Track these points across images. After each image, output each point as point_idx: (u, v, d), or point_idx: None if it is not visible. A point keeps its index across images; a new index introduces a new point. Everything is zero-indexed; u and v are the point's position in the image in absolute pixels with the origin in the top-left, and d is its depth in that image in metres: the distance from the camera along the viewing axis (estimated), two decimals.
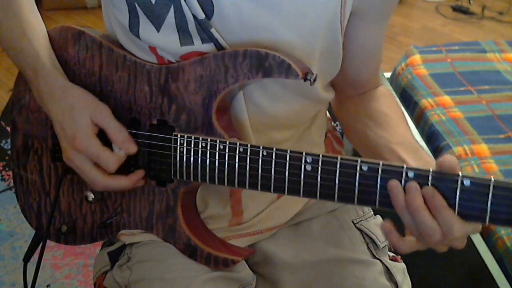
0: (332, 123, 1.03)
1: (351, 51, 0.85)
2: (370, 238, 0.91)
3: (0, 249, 1.82)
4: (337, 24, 0.78)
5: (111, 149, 0.78)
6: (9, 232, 1.88)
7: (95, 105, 0.78)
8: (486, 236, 1.23)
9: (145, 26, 0.76)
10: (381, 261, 0.88)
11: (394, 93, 1.80)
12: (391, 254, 0.94)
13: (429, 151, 1.50)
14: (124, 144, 0.77)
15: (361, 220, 0.94)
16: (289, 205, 0.92)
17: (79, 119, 0.76)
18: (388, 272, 0.87)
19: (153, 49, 0.78)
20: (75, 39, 0.83)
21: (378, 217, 0.97)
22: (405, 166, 0.64)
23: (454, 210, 0.62)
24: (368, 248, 0.90)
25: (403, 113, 0.87)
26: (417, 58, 1.87)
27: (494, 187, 0.60)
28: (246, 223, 0.89)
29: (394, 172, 0.64)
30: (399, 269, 0.89)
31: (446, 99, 1.68)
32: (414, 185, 0.63)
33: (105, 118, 0.77)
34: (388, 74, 1.98)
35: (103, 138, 0.77)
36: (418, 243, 0.66)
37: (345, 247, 0.89)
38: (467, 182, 0.61)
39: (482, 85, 1.72)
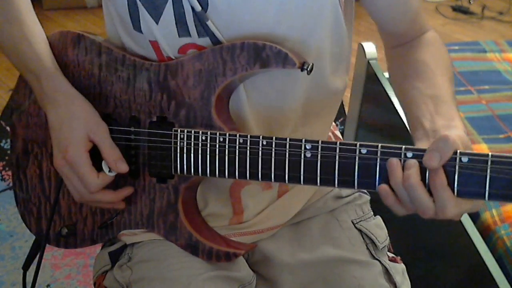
0: (333, 122, 1.03)
1: (376, 12, 0.86)
2: (370, 239, 0.91)
3: (0, 249, 1.82)
4: (336, 1, 0.78)
5: (100, 168, 0.78)
6: (9, 232, 1.88)
7: (95, 121, 0.78)
8: (486, 236, 1.23)
9: (145, 19, 0.77)
10: (380, 261, 0.89)
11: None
12: (391, 255, 0.94)
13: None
14: (117, 162, 0.77)
15: (360, 221, 0.94)
16: (289, 205, 0.92)
17: (76, 130, 0.76)
18: (387, 273, 0.88)
19: (154, 43, 0.79)
20: (74, 42, 0.83)
21: (378, 218, 0.97)
22: (403, 147, 0.64)
23: (453, 188, 0.62)
24: (368, 248, 0.90)
25: (447, 62, 0.84)
26: None
27: (492, 161, 0.60)
28: (246, 222, 0.89)
29: (393, 153, 0.65)
30: (398, 270, 0.89)
31: None
32: (412, 162, 0.63)
33: (102, 136, 0.77)
34: (388, 74, 1.98)
35: (96, 157, 0.78)
36: (413, 212, 0.66)
37: (345, 247, 0.89)
38: (465, 159, 0.61)
39: (482, 85, 1.72)
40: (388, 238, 0.95)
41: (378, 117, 1.71)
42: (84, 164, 0.76)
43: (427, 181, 0.64)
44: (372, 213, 0.97)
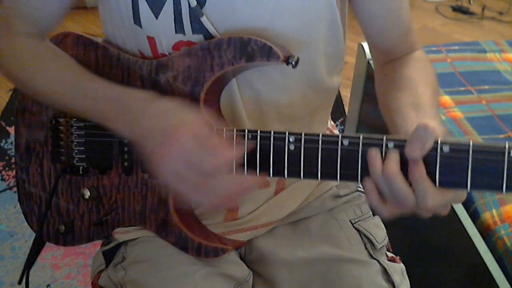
0: (332, 122, 1.03)
1: (367, 22, 0.86)
2: (368, 238, 0.91)
3: (0, 249, 1.82)
4: (332, 1, 0.79)
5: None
6: (9, 232, 1.88)
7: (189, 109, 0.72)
8: (486, 236, 1.22)
9: (145, 13, 0.77)
10: (378, 261, 0.89)
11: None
12: (390, 254, 0.94)
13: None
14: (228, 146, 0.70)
15: (359, 220, 0.94)
16: (286, 202, 0.92)
17: (187, 111, 0.71)
18: (385, 273, 0.88)
19: (151, 39, 0.79)
20: (74, 43, 0.85)
21: (377, 218, 0.97)
22: (385, 137, 0.64)
23: (435, 178, 0.62)
24: (366, 248, 0.90)
25: (432, 76, 0.84)
26: None
27: (473, 151, 0.60)
28: (241, 219, 0.90)
29: (374, 144, 0.64)
30: (397, 269, 0.89)
31: (446, 99, 1.68)
32: (392, 153, 0.63)
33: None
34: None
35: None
36: (396, 208, 0.65)
37: (343, 246, 0.89)
38: (446, 148, 0.61)
39: (482, 85, 1.72)
40: (387, 238, 0.95)
41: (378, 117, 1.71)
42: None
43: (408, 173, 0.63)
44: (370, 212, 0.97)
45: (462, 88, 1.71)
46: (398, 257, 0.95)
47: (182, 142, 0.66)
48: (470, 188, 0.61)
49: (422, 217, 0.65)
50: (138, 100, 0.74)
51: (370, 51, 0.93)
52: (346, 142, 0.66)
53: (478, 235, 1.19)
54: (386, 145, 0.64)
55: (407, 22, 0.88)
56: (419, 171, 0.61)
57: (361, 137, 0.65)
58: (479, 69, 1.80)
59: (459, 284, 1.29)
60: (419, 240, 1.46)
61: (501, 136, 1.52)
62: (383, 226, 0.96)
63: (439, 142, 0.61)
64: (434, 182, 0.62)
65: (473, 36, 3.22)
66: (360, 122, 1.83)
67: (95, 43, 0.84)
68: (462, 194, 0.64)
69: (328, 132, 1.01)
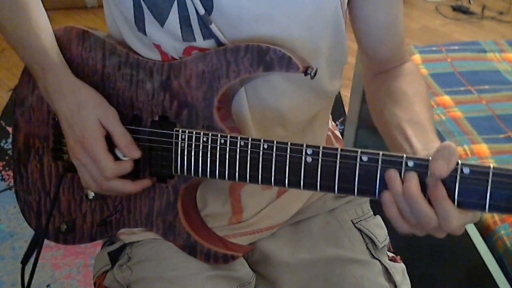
0: (332, 122, 1.03)
1: (364, 30, 0.86)
2: (370, 238, 0.91)
3: (0, 249, 1.82)
4: (338, 9, 0.79)
5: (115, 156, 0.78)
6: (9, 232, 1.88)
7: (103, 107, 0.78)
8: (486, 236, 1.23)
9: (150, 22, 0.77)
10: (380, 261, 0.89)
11: None
12: (391, 254, 0.94)
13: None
14: (128, 148, 0.77)
15: (360, 220, 0.94)
16: (289, 204, 0.92)
17: (88, 118, 0.77)
18: (387, 272, 0.88)
19: (157, 46, 0.79)
20: (79, 38, 0.84)
21: (378, 217, 0.97)
22: (404, 156, 0.63)
23: (454, 199, 0.62)
24: (368, 248, 0.90)
25: (425, 91, 0.85)
26: (417, 58, 1.86)
27: (493, 174, 0.60)
28: (245, 221, 0.90)
29: (394, 162, 0.64)
30: (398, 269, 0.89)
31: (446, 99, 1.68)
32: (412, 174, 0.63)
33: (112, 121, 0.78)
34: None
35: (110, 143, 0.78)
36: (417, 229, 0.65)
37: (345, 246, 0.89)
38: (466, 170, 0.61)
39: (482, 85, 1.72)
40: (388, 237, 0.95)
41: None
42: (100, 149, 0.76)
43: (426, 193, 0.63)
44: (372, 212, 0.97)
45: (462, 88, 1.71)
46: (398, 256, 0.95)
47: (81, 152, 0.77)
48: (488, 210, 0.61)
49: (437, 237, 0.65)
50: (66, 83, 0.80)
51: (362, 61, 0.92)
52: (365, 158, 0.65)
53: (478, 235, 1.19)
54: (406, 163, 0.63)
55: (402, 33, 0.89)
56: (441, 191, 0.61)
57: (380, 154, 0.65)
58: (479, 69, 1.80)
59: (459, 284, 1.29)
60: (419, 240, 1.46)
61: (501, 136, 1.52)
62: (384, 225, 0.96)
63: (459, 163, 0.61)
64: (453, 203, 0.62)
65: (473, 36, 3.22)
66: (360, 122, 1.83)
67: (102, 41, 0.82)
68: (478, 215, 0.64)
69: (329, 133, 1.00)
